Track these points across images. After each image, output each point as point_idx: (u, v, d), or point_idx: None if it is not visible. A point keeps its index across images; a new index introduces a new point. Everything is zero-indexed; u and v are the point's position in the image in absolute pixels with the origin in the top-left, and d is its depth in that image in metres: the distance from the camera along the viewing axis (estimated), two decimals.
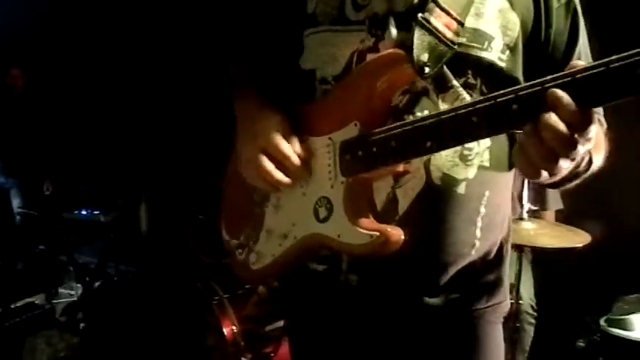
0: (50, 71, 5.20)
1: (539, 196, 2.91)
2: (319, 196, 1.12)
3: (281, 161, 1.11)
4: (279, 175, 1.11)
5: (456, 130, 0.89)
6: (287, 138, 1.12)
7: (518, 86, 0.82)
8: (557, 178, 0.86)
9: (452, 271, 1.13)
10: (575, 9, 1.09)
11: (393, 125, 1.00)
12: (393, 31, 1.08)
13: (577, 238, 2.43)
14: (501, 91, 0.83)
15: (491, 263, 1.17)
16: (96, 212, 3.99)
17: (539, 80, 0.79)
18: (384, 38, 1.09)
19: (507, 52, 1.06)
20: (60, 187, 4.64)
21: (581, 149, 0.79)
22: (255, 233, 1.25)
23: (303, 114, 1.17)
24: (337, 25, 1.14)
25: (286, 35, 1.23)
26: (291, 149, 1.11)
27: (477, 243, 1.12)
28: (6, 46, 5.19)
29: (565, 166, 0.81)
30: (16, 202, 4.69)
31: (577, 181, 0.98)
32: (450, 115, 0.89)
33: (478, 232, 1.12)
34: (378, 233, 1.02)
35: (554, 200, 3.01)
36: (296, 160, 1.11)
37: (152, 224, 3.79)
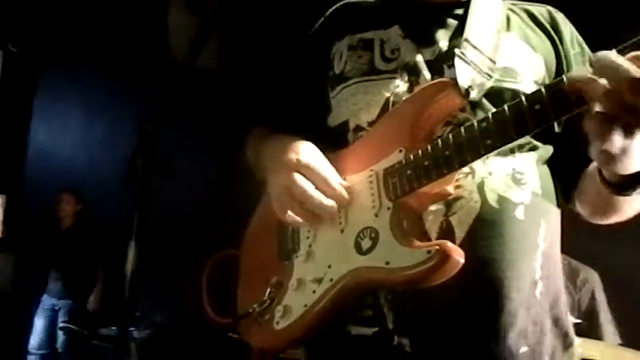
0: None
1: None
2: (361, 228, 1.04)
3: (320, 185, 1.05)
4: (320, 198, 1.04)
5: (520, 119, 0.89)
6: (325, 164, 1.07)
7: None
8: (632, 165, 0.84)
9: (520, 321, 1.01)
10: (589, 56, 1.16)
11: (444, 136, 0.98)
12: (427, 75, 1.12)
13: None
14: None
15: (558, 319, 1.07)
16: (130, 329, 3.89)
17: None
18: (419, 83, 1.12)
19: (537, 87, 1.10)
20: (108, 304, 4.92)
21: None
22: (282, 287, 1.12)
23: (338, 159, 1.13)
24: (369, 75, 1.17)
25: (312, 98, 1.25)
26: (331, 172, 1.05)
27: (540, 284, 1.03)
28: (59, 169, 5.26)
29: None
30: (61, 319, 4.94)
31: None
32: (513, 107, 0.90)
33: (538, 270, 1.04)
34: (436, 247, 0.93)
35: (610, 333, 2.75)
36: (338, 182, 1.05)
37: None
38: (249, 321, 1.15)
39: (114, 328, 4.27)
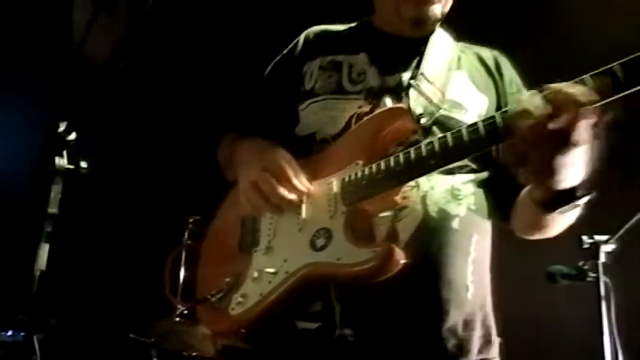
0: None
1: None
2: (317, 228, 1.17)
3: (284, 183, 1.19)
4: (282, 191, 1.17)
5: (460, 144, 1.05)
6: (292, 166, 1.21)
7: None
8: (564, 180, 1.00)
9: (452, 318, 1.15)
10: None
11: (396, 154, 1.13)
12: (388, 101, 1.27)
13: None
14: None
15: (484, 318, 1.22)
16: (22, 333, 3.58)
17: None
18: (379, 106, 1.27)
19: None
20: None
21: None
22: (240, 277, 1.24)
23: (305, 165, 1.25)
24: (336, 94, 1.32)
25: (283, 109, 1.38)
26: (296, 172, 1.20)
27: (471, 287, 1.19)
28: None
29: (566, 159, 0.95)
30: None
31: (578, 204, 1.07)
32: (454, 135, 1.06)
33: (469, 275, 1.19)
34: (380, 248, 1.07)
35: None
36: (300, 180, 1.19)
37: None
38: (206, 306, 1.26)
39: (5, 332, 4.03)
